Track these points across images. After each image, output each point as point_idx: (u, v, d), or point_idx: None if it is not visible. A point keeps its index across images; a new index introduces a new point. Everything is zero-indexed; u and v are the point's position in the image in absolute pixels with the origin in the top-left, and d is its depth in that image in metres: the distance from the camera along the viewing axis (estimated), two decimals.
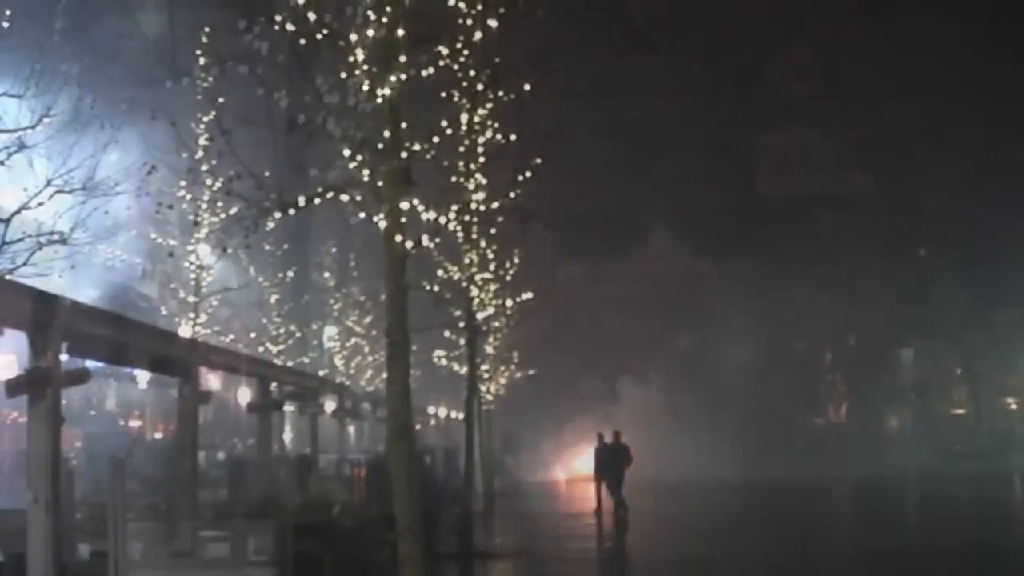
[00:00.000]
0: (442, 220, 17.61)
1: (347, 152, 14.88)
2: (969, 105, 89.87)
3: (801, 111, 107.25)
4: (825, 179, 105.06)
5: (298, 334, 54.60)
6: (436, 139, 15.87)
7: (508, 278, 38.07)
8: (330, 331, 66.15)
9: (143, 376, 53.55)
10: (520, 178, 28.88)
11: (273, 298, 51.74)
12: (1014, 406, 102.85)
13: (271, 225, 16.38)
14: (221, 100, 24.87)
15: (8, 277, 22.03)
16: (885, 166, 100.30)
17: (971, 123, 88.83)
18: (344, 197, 15.31)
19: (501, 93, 23.87)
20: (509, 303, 39.81)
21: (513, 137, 27.65)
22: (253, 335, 50.54)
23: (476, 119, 25.48)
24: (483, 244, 33.05)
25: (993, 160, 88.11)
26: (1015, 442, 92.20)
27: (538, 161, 28.29)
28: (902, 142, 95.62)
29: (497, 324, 46.57)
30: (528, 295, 41.19)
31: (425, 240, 16.68)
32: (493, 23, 16.91)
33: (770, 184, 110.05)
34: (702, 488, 63.65)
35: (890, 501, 55.07)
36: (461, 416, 43.57)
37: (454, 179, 27.58)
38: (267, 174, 15.41)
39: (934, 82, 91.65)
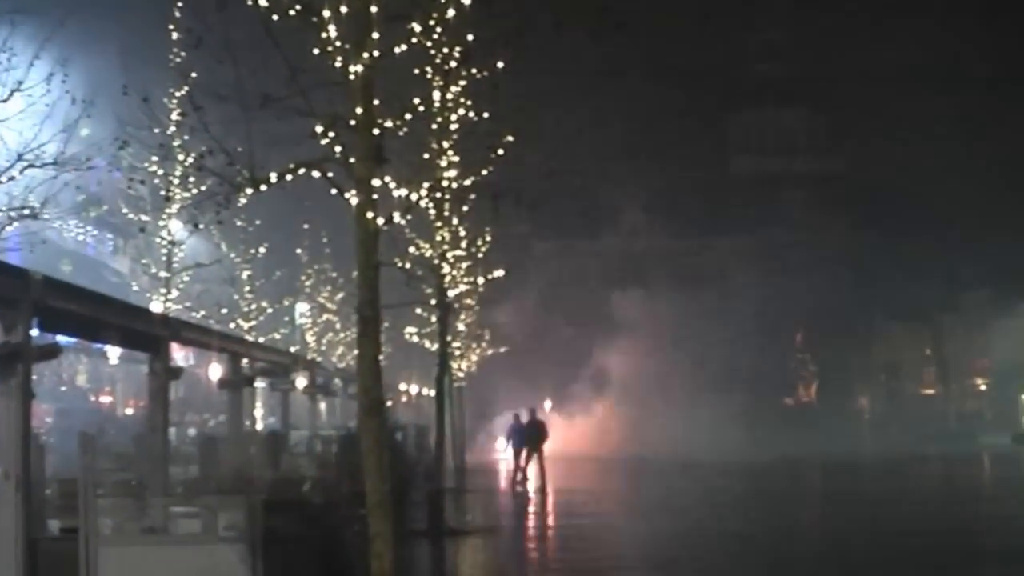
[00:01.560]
0: (414, 197, 17.63)
1: (319, 128, 14.88)
2: (943, 87, 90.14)
3: (774, 91, 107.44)
4: (797, 159, 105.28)
5: (270, 310, 54.43)
6: (409, 116, 15.88)
7: (480, 255, 38.06)
8: (302, 307, 66.02)
9: (114, 352, 53.58)
10: (492, 156, 28.85)
11: (245, 274, 51.56)
12: (983, 387, 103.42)
13: (243, 201, 16.38)
14: (194, 75, 24.78)
15: None
16: (857, 147, 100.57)
17: (944, 105, 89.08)
18: (316, 173, 15.30)
19: (474, 71, 23.88)
20: (481, 280, 39.82)
21: (486, 115, 27.65)
22: (225, 311, 50.36)
23: (449, 96, 25.44)
24: (455, 221, 33.05)
25: (965, 142, 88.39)
26: (983, 423, 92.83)
27: (510, 139, 28.26)
28: (875, 123, 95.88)
29: (469, 301, 46.64)
30: (500, 273, 41.19)
31: (397, 217, 16.69)
32: (466, 1, 16.90)
33: (742, 163, 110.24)
34: (670, 466, 63.86)
35: (851, 482, 55.28)
36: (432, 393, 43.63)
37: (426, 156, 27.61)
38: (239, 150, 15.38)
39: (907, 63, 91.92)
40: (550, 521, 40.60)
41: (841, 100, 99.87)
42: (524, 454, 51.40)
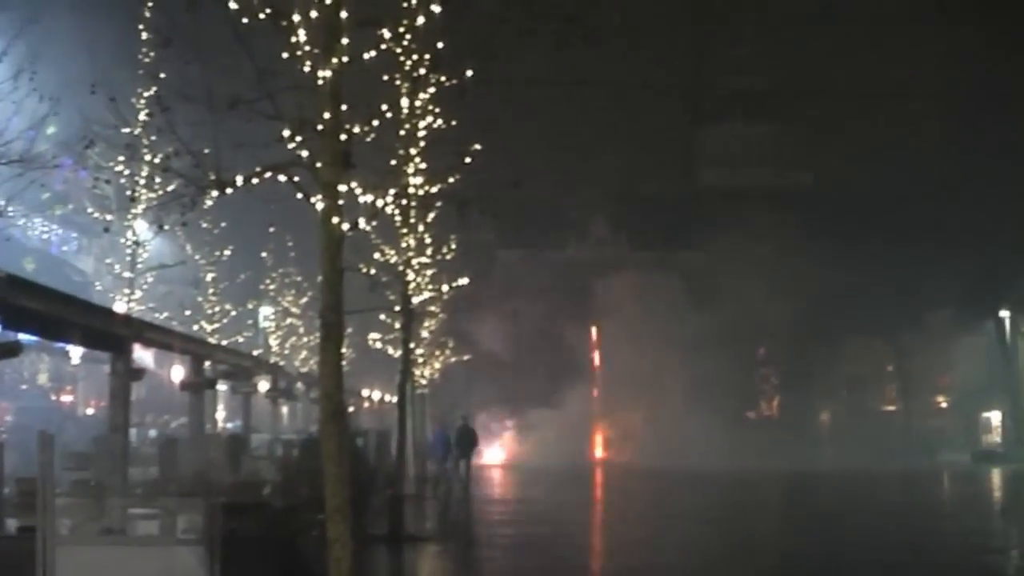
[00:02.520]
0: (380, 203, 17.64)
1: (287, 132, 14.89)
2: (910, 105, 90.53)
3: (742, 105, 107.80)
4: (764, 174, 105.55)
5: (234, 313, 54.34)
6: (377, 122, 15.90)
7: (445, 263, 38.13)
8: (266, 311, 65.95)
9: (76, 351, 53.36)
10: (460, 164, 28.90)
11: (209, 276, 51.49)
12: (944, 404, 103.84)
13: (209, 203, 16.37)
14: (162, 75, 24.77)
15: None
16: (823, 162, 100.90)
17: (910, 123, 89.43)
18: (283, 177, 15.30)
19: (443, 78, 23.93)
20: (445, 288, 39.84)
21: (454, 123, 27.71)
22: (188, 313, 50.30)
23: (417, 103, 25.54)
24: (421, 228, 33.04)
25: (931, 160, 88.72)
26: (944, 441, 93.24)
27: (478, 147, 28.31)
28: (841, 139, 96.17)
29: (433, 308, 46.64)
30: (464, 280, 41.23)
31: (363, 223, 16.70)
32: (436, 8, 16.94)
33: (710, 177, 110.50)
34: (631, 475, 64.04)
35: (809, 497, 55.47)
36: (395, 399, 43.62)
37: (394, 163, 27.62)
38: (206, 152, 15.38)
39: (875, 80, 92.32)
40: (509, 530, 40.61)
41: (808, 115, 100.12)
42: (453, 461, 52.31)
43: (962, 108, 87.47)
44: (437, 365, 60.31)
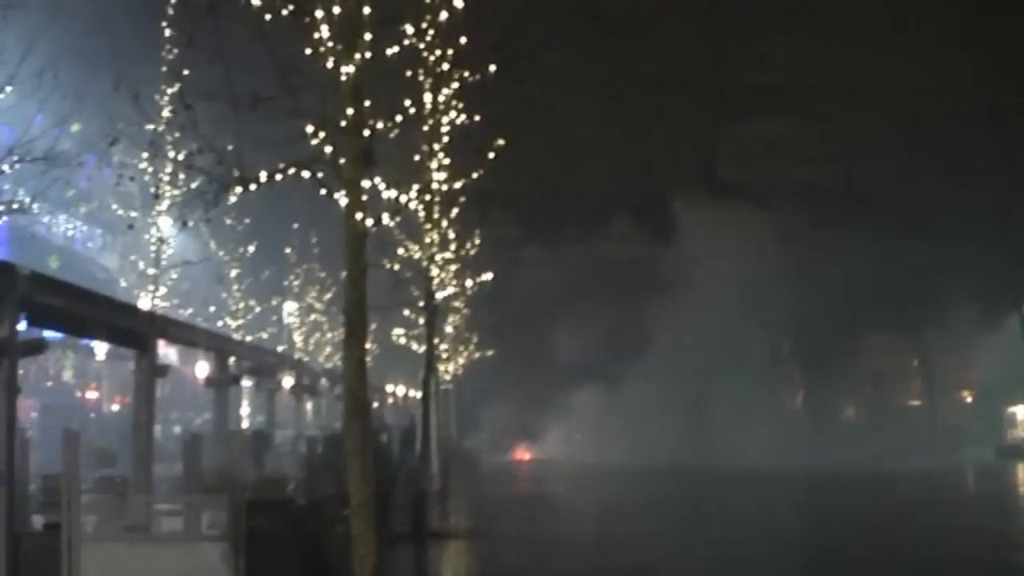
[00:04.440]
0: (403, 199, 17.63)
1: (310, 129, 14.89)
2: (935, 100, 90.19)
3: (765, 100, 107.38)
4: (787, 169, 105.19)
5: (258, 309, 54.46)
6: (399, 118, 15.88)
7: (469, 258, 38.14)
8: (290, 307, 66.01)
9: (101, 348, 53.45)
10: (483, 159, 28.89)
11: (233, 272, 51.58)
12: (968, 400, 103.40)
13: (232, 200, 16.37)
14: (185, 73, 24.75)
15: None
16: (848, 158, 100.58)
17: (935, 118, 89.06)
18: (306, 174, 15.29)
19: (466, 74, 23.91)
20: (469, 283, 39.84)
21: (477, 119, 27.68)
22: (212, 309, 50.42)
23: (440, 100, 25.50)
24: (444, 224, 33.04)
25: (956, 156, 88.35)
26: (968, 436, 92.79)
27: (501, 143, 28.30)
28: (866, 134, 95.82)
29: (457, 304, 46.64)
30: (488, 276, 41.22)
31: (386, 219, 16.69)
32: (459, 4, 16.94)
33: (733, 172, 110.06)
34: (653, 474, 63.92)
35: (832, 497, 54.99)
36: (419, 395, 43.63)
37: (417, 159, 27.61)
38: (229, 149, 15.38)
39: (899, 75, 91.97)
40: (531, 526, 40.58)
41: (832, 111, 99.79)
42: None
43: (988, 104, 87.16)
44: (461, 361, 60.27)
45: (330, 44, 14.79)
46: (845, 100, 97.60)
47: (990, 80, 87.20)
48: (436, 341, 39.32)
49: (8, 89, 25.88)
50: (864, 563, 29.68)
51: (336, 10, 14.79)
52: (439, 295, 34.88)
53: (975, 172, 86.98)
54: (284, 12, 14.56)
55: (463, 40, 21.37)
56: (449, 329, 51.11)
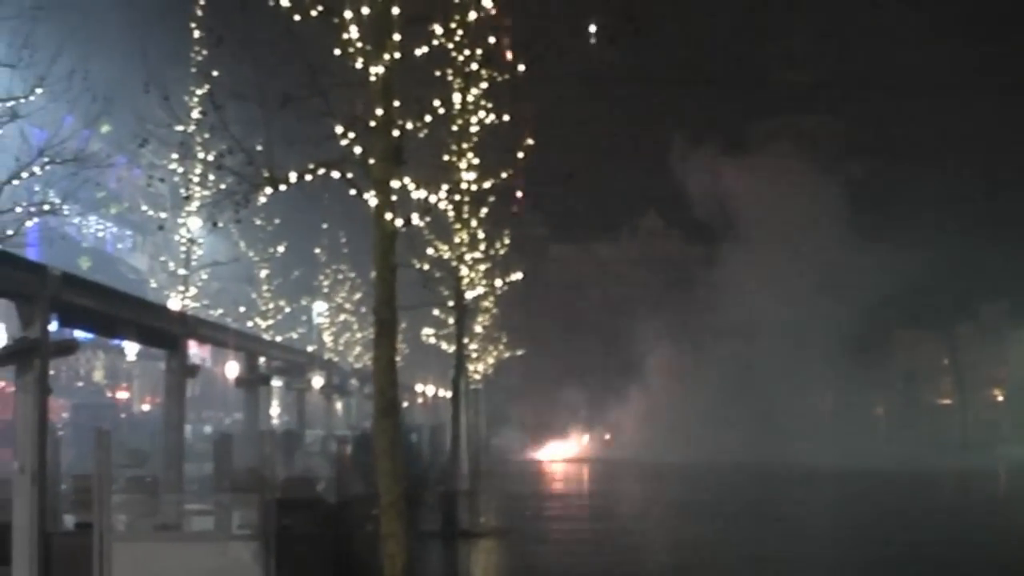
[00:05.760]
0: (433, 199, 17.65)
1: (339, 129, 14.91)
2: (966, 95, 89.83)
3: (795, 97, 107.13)
4: (816, 166, 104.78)
5: (287, 309, 54.63)
6: (428, 118, 15.90)
7: (498, 258, 38.09)
8: (319, 307, 66.15)
9: (132, 348, 53.62)
10: (512, 159, 28.90)
11: (263, 273, 51.77)
12: (1000, 397, 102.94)
13: (262, 200, 16.40)
14: (215, 74, 24.81)
15: None
16: (876, 154, 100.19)
17: (965, 113, 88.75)
18: (335, 174, 15.31)
19: (495, 74, 23.90)
20: (499, 283, 39.81)
21: (506, 118, 27.66)
22: (242, 309, 50.56)
23: (469, 99, 25.48)
24: (473, 224, 32.97)
25: (986, 151, 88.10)
26: (999, 433, 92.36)
27: (530, 142, 28.29)
28: (893, 131, 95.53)
29: (487, 304, 46.61)
30: (518, 275, 41.19)
31: (415, 218, 16.71)
32: (488, 3, 16.94)
33: (761, 169, 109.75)
34: (693, 470, 63.81)
35: (867, 497, 54.64)
36: (448, 394, 43.64)
37: (446, 158, 27.62)
38: (259, 149, 15.41)
39: (932, 71, 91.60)
40: (563, 525, 40.57)
41: (859, 108, 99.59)
42: None
43: (1018, 99, 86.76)
44: (491, 360, 60.25)
45: (359, 44, 14.81)
46: (875, 96, 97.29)
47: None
48: (466, 341, 39.27)
49: (39, 91, 25.95)
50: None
51: (365, 10, 14.81)
52: (469, 295, 34.83)
53: (1006, 167, 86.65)
54: (313, 12, 14.59)
55: (492, 40, 21.34)
56: (479, 329, 51.04)
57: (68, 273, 16.73)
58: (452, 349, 37.32)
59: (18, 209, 26.94)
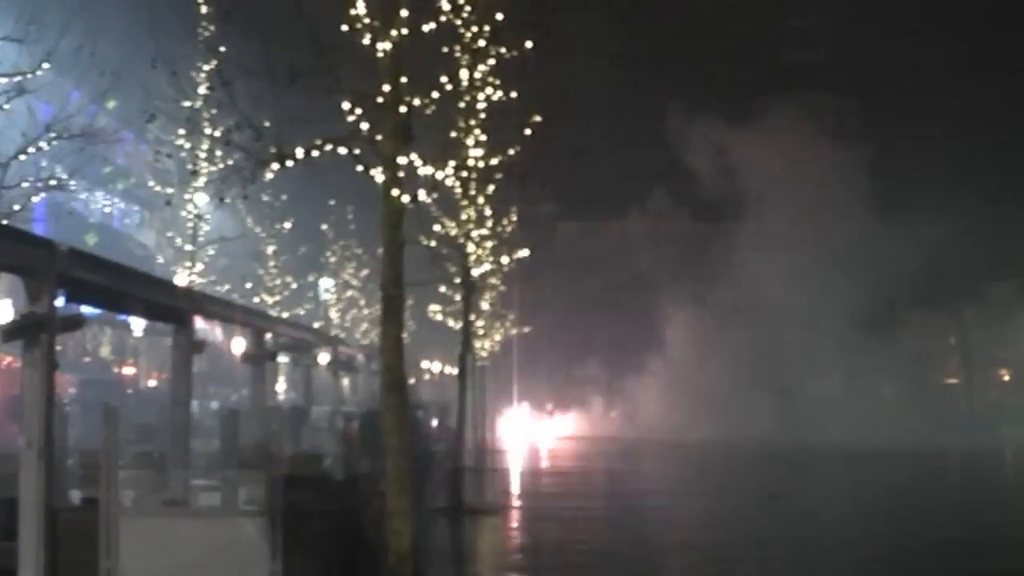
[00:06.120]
0: (440, 176, 17.61)
1: (347, 105, 14.88)
2: (971, 75, 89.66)
3: (803, 76, 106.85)
4: (825, 144, 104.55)
5: (294, 285, 54.66)
6: (436, 95, 15.86)
7: (505, 235, 38.02)
8: (326, 283, 66.19)
9: (138, 324, 53.66)
10: (520, 135, 28.85)
11: (270, 249, 51.79)
12: (1007, 377, 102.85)
13: (269, 176, 16.38)
14: (222, 49, 24.75)
15: (4, 222, 21.99)
16: (884, 134, 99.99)
17: (971, 93, 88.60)
18: (343, 150, 15.28)
19: (503, 50, 23.85)
20: (505, 260, 39.74)
21: (514, 94, 27.61)
22: (249, 285, 50.61)
23: (477, 75, 25.41)
24: (481, 201, 32.89)
25: (992, 131, 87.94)
26: (1006, 414, 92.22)
27: (538, 119, 28.22)
28: (902, 110, 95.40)
29: (494, 280, 46.56)
30: (525, 252, 41.13)
31: (423, 195, 16.69)
32: None
33: (769, 147, 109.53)
34: (695, 450, 63.85)
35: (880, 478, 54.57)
36: (455, 371, 43.63)
37: (453, 135, 27.54)
38: (266, 125, 15.38)
39: (937, 51, 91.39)
40: (571, 503, 40.62)
41: (869, 86, 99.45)
42: None
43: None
44: (498, 337, 60.24)
45: (367, 20, 14.77)
46: (884, 75, 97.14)
47: None
48: (473, 318, 39.21)
49: (46, 66, 25.93)
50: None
51: None
52: (476, 272, 34.77)
53: (1014, 147, 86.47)
54: None
55: (499, 16, 21.27)
56: (486, 306, 50.98)
57: (75, 248, 16.69)
58: (459, 326, 37.30)
59: (25, 184, 26.97)
